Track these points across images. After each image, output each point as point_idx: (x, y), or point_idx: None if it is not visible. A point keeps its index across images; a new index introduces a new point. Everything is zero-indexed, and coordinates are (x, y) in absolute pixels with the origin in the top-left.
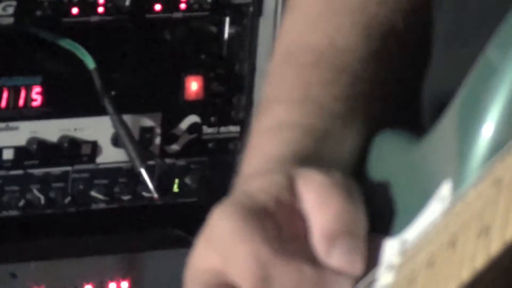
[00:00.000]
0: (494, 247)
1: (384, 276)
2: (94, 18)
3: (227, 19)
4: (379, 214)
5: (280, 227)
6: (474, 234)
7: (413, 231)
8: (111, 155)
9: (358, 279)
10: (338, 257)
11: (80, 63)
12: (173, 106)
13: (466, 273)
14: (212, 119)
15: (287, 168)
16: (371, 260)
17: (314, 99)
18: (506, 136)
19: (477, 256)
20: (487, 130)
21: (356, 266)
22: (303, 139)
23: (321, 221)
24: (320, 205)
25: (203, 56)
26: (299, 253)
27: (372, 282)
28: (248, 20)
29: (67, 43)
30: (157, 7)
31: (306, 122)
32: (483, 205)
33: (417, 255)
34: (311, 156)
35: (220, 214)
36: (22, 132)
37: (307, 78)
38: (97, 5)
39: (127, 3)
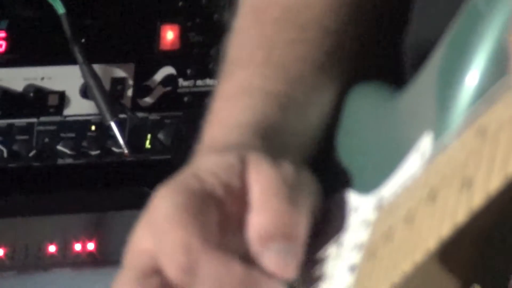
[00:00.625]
0: (477, 200)
1: (359, 232)
2: None
3: None
4: (355, 171)
5: (226, 214)
6: (456, 187)
7: (391, 187)
8: (79, 107)
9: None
10: (270, 260)
11: (49, 8)
12: (147, 57)
13: (446, 229)
14: (189, 71)
15: (245, 142)
16: (340, 220)
17: (278, 61)
18: (490, 86)
19: (459, 211)
20: (472, 78)
21: (288, 270)
22: (267, 106)
23: (259, 219)
24: (262, 202)
25: (180, 3)
26: (236, 246)
27: (341, 240)
28: None
29: None
30: None
31: (269, 87)
32: (466, 156)
33: (395, 211)
34: (275, 124)
35: (163, 194)
36: None
37: (272, 37)
38: None
39: None
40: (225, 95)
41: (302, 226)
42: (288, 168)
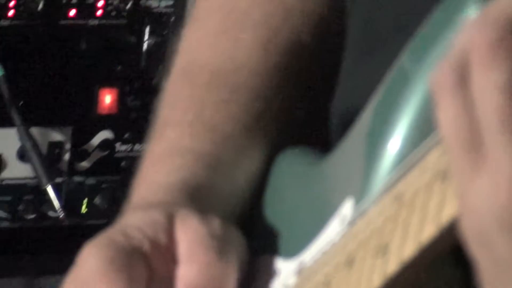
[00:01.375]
0: (391, 267)
1: None
2: (3, 22)
3: (147, 29)
4: (280, 235)
5: (153, 269)
6: (372, 253)
7: (312, 252)
8: (16, 170)
9: None
10: None
11: None
12: (85, 120)
13: None
14: (126, 135)
15: (172, 201)
16: (263, 282)
17: (207, 121)
18: (411, 151)
19: (374, 277)
20: (394, 144)
21: None
22: (194, 166)
23: (188, 272)
24: (190, 255)
25: (119, 68)
26: None
27: None
28: (169, 30)
29: None
30: (72, 12)
31: (197, 147)
32: (382, 222)
33: (313, 276)
34: (202, 185)
35: (90, 251)
36: None
37: (201, 98)
38: (7, 8)
39: (40, 6)
40: (156, 154)
41: (230, 280)
42: (215, 222)
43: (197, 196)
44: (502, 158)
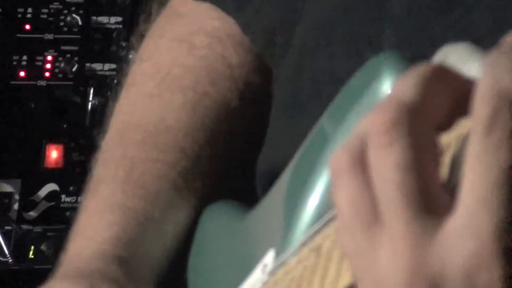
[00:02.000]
0: None
1: None
2: None
3: (91, 90)
4: (205, 284)
5: None
6: None
7: None
8: None
9: None
10: None
11: None
12: (32, 173)
13: None
14: (71, 188)
15: (100, 269)
16: None
17: (138, 179)
18: (330, 207)
19: None
20: (312, 202)
21: None
22: (126, 222)
23: None
24: None
25: (65, 125)
26: None
27: None
28: (112, 91)
29: None
30: (22, 73)
31: (129, 204)
32: (302, 271)
33: None
34: (133, 240)
35: None
36: None
37: (133, 157)
38: None
39: None
40: (90, 210)
41: None
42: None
43: (124, 258)
44: (404, 230)
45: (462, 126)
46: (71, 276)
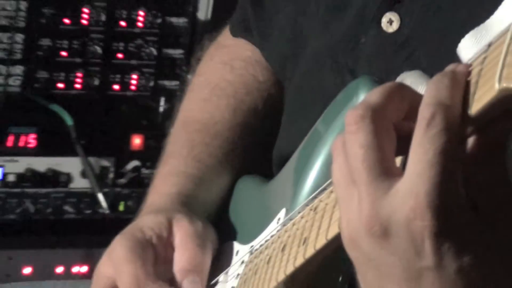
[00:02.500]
0: (308, 253)
1: (237, 268)
2: (73, 91)
3: (163, 98)
4: (238, 228)
5: (159, 254)
6: (297, 243)
7: (259, 240)
8: (80, 183)
9: (219, 271)
10: (187, 285)
11: (62, 120)
12: (122, 154)
13: (289, 269)
14: (148, 164)
15: (171, 207)
16: (228, 259)
17: (196, 156)
18: (323, 181)
19: (297, 258)
20: (312, 177)
21: None
22: (186, 183)
23: (180, 258)
24: (181, 246)
25: (145, 122)
26: (167, 273)
27: (227, 272)
28: (177, 99)
29: (54, 107)
30: (116, 87)
31: (189, 172)
32: (304, 223)
33: (260, 255)
34: (190, 196)
35: (119, 240)
36: (22, 164)
37: (193, 140)
38: (75, 82)
39: (96, 82)
40: (162, 174)
41: (207, 264)
42: (198, 223)
43: (187, 203)
44: (366, 189)
45: None
46: (150, 212)
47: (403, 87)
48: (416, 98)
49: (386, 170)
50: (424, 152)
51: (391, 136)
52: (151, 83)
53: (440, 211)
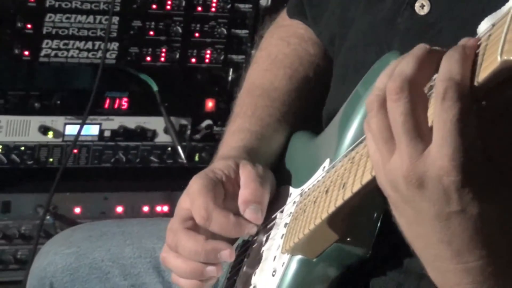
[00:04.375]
0: (347, 195)
1: (290, 207)
2: (159, 63)
3: (231, 70)
4: (292, 174)
5: (227, 190)
6: (337, 187)
7: (308, 184)
8: (163, 138)
9: (276, 210)
10: (249, 214)
11: (149, 87)
12: (198, 114)
13: (331, 208)
14: (219, 122)
15: (238, 155)
16: (283, 200)
17: (259, 115)
18: (361, 135)
19: (338, 199)
20: (351, 132)
21: (258, 219)
22: (250, 138)
23: (243, 193)
24: (244, 184)
25: (216, 88)
26: (232, 207)
27: (282, 210)
28: (242, 71)
29: (143, 76)
30: (193, 60)
31: (253, 129)
32: (343, 170)
33: (308, 197)
34: (254, 148)
35: (195, 179)
36: (116, 122)
37: (256, 103)
38: (161, 56)
39: (177, 56)
40: (230, 131)
41: (266, 198)
42: (259, 167)
43: (251, 153)
44: (405, 148)
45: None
46: (221, 159)
47: (430, 51)
48: (442, 55)
49: (420, 134)
50: (443, 122)
51: (424, 101)
52: (222, 57)
53: (463, 168)
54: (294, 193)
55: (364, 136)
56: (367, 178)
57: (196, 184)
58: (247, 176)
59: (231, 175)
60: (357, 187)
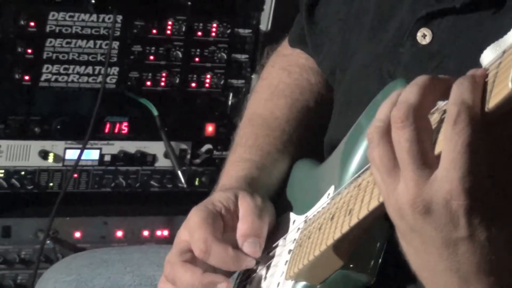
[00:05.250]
0: (353, 221)
1: (293, 234)
2: (159, 88)
3: (231, 94)
4: (295, 202)
5: (226, 223)
6: (343, 213)
7: (312, 212)
8: (163, 163)
9: (278, 238)
10: (247, 247)
11: (149, 111)
12: (198, 138)
13: (337, 235)
14: (219, 147)
15: (238, 186)
16: (285, 227)
17: (259, 145)
18: (364, 163)
19: (344, 226)
20: (355, 161)
21: (257, 253)
22: (251, 168)
23: (241, 226)
24: (243, 217)
25: (216, 113)
26: (230, 240)
27: (285, 237)
28: (242, 95)
29: (143, 100)
30: (193, 84)
31: (253, 158)
32: (349, 197)
33: (313, 224)
34: (254, 178)
35: (194, 211)
36: (116, 146)
37: (257, 133)
38: (161, 80)
39: (177, 80)
40: (231, 161)
41: (264, 231)
42: (258, 199)
43: (251, 183)
44: (411, 175)
45: (439, 110)
46: (221, 190)
47: (433, 79)
48: (445, 83)
49: (426, 160)
50: (453, 145)
51: (429, 128)
52: (222, 82)
53: (471, 192)
54: (298, 219)
55: (369, 164)
56: (374, 204)
57: (195, 217)
58: (245, 209)
59: (230, 207)
60: (363, 213)
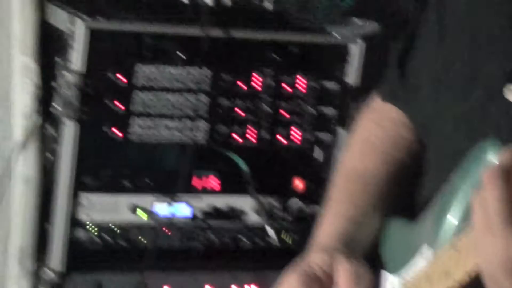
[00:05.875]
0: (451, 285)
1: None
2: (248, 143)
3: (319, 149)
4: (387, 259)
5: (323, 286)
6: (440, 275)
7: (406, 271)
8: (253, 219)
9: None
10: None
11: (239, 168)
12: (287, 194)
13: None
14: (308, 202)
15: (334, 246)
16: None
17: (355, 202)
18: (461, 227)
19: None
20: (450, 219)
21: None
22: (346, 225)
23: None
24: (341, 283)
25: (305, 167)
26: None
27: None
28: (330, 150)
29: (233, 155)
30: (281, 138)
31: (349, 215)
32: (445, 258)
33: (408, 285)
34: (350, 236)
35: (290, 274)
36: (205, 201)
37: (352, 189)
38: (249, 135)
39: (266, 135)
40: (326, 218)
41: None
42: (355, 263)
43: (347, 241)
44: (499, 235)
45: None
46: (317, 251)
47: None
48: None
49: None
50: None
51: None
52: (310, 136)
53: None
54: (391, 279)
55: (467, 223)
56: (469, 266)
57: (292, 280)
58: (343, 276)
59: (327, 270)
60: (462, 275)
